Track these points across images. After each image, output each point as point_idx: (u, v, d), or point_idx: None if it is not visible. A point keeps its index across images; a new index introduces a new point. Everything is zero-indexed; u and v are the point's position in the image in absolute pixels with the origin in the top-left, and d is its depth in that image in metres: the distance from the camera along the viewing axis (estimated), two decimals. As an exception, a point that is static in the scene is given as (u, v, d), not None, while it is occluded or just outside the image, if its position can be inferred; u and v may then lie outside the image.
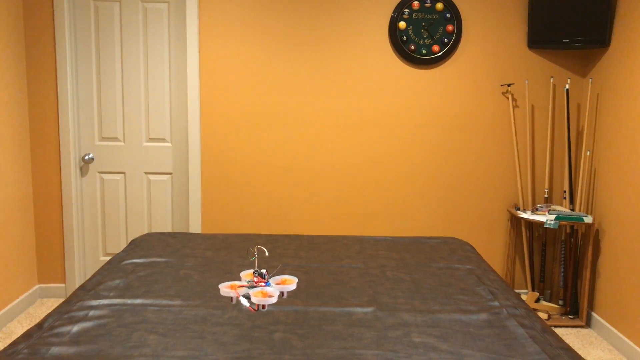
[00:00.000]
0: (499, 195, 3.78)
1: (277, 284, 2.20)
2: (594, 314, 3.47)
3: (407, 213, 3.79)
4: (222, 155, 3.72)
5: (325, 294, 2.14)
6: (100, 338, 1.74)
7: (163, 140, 3.77)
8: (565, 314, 3.60)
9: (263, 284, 2.18)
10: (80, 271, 3.82)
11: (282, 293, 2.16)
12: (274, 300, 2.04)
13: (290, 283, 2.23)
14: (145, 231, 3.86)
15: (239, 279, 2.30)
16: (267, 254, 2.19)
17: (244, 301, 2.05)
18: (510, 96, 3.70)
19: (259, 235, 2.95)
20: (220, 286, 2.15)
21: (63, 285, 3.80)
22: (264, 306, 2.02)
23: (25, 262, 3.63)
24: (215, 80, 3.65)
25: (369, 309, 1.99)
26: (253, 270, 2.25)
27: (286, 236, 2.95)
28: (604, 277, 3.39)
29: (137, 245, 2.73)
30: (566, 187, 3.62)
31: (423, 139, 3.73)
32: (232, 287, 2.14)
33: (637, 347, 3.02)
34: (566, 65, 3.68)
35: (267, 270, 2.40)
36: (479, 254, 2.74)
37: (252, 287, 2.15)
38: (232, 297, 2.10)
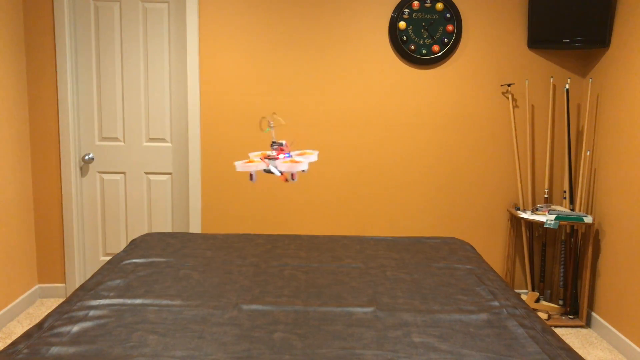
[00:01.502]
0: (499, 195, 3.78)
1: (298, 156, 1.94)
2: (594, 314, 3.47)
3: (407, 213, 3.79)
4: (222, 155, 3.72)
5: (325, 294, 2.14)
6: (100, 338, 1.74)
7: (163, 140, 3.77)
8: (565, 314, 3.60)
9: (284, 155, 1.90)
10: (80, 271, 3.82)
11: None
12: (305, 167, 1.80)
13: (311, 154, 1.96)
14: (145, 231, 3.86)
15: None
16: (283, 122, 2.02)
17: (274, 169, 1.80)
18: (510, 96, 3.70)
19: (259, 235, 2.95)
20: (236, 163, 1.90)
21: (63, 285, 3.80)
22: (293, 175, 1.79)
23: (25, 262, 3.63)
24: (215, 80, 3.65)
25: (369, 309, 1.99)
26: (271, 143, 1.94)
27: (286, 236, 2.95)
28: (604, 277, 3.39)
29: (137, 245, 2.73)
30: (566, 187, 3.62)
31: (423, 139, 3.73)
32: (251, 161, 1.88)
33: (637, 347, 3.02)
34: (566, 65, 3.68)
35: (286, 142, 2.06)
36: (479, 254, 2.74)
37: (274, 159, 1.88)
38: (251, 174, 1.85)
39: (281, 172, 1.76)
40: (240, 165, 1.85)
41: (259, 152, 2.02)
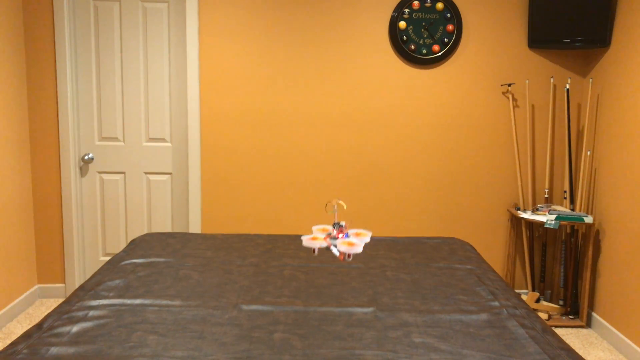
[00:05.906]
0: (499, 195, 3.78)
1: (354, 236, 2.30)
2: (594, 314, 3.47)
3: (407, 213, 3.79)
4: (222, 155, 3.71)
5: (325, 294, 2.13)
6: (100, 338, 1.74)
7: (163, 140, 3.77)
8: (566, 314, 3.60)
9: (342, 235, 2.25)
10: (80, 271, 3.82)
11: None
12: (360, 250, 2.12)
13: (365, 236, 2.30)
14: (145, 231, 3.86)
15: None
16: (345, 207, 2.35)
17: (335, 249, 2.14)
18: (510, 96, 3.70)
19: (259, 236, 2.95)
20: (303, 238, 2.26)
21: (63, 285, 3.79)
22: (349, 255, 2.12)
23: (25, 262, 3.62)
24: (215, 80, 3.65)
25: (369, 309, 1.99)
26: (333, 224, 2.32)
27: (286, 236, 2.95)
28: (604, 277, 3.38)
29: (136, 245, 2.72)
30: (566, 187, 3.61)
31: (423, 139, 3.72)
32: (314, 239, 2.25)
33: (637, 347, 3.02)
34: (566, 65, 3.67)
35: (345, 224, 2.49)
36: (479, 254, 2.74)
37: (334, 238, 2.26)
38: (314, 249, 2.18)
39: (339, 252, 2.13)
40: (306, 241, 2.21)
41: (321, 226, 2.40)
